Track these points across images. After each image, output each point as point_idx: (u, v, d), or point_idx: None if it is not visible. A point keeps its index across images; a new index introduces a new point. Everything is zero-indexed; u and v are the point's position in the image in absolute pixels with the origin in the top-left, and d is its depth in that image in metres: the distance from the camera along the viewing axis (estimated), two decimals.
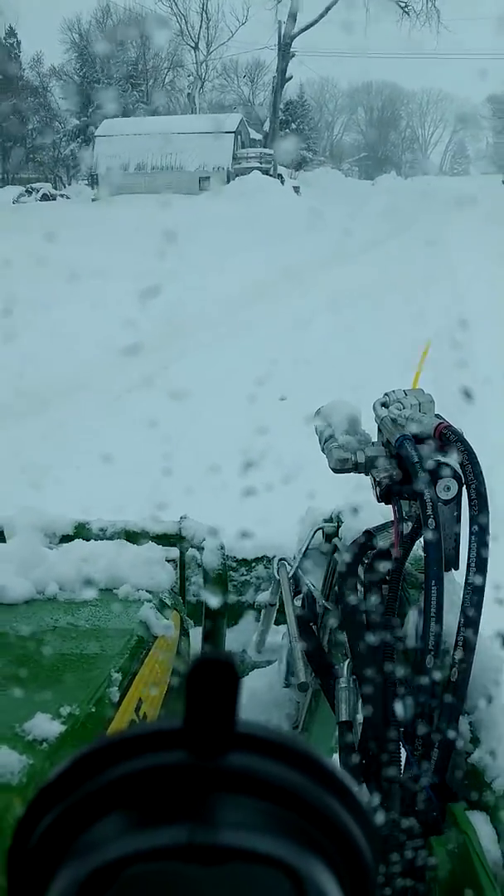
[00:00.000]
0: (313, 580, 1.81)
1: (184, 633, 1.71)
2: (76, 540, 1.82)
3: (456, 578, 1.36)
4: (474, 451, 1.36)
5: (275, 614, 2.05)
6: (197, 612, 1.90)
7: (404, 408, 1.50)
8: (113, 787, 0.41)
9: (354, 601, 1.45)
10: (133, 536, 1.88)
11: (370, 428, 1.57)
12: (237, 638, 2.24)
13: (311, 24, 41.68)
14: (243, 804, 0.40)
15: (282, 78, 42.15)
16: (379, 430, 1.52)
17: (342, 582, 1.51)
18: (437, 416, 1.48)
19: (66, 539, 1.88)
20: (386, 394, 1.54)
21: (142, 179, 35.48)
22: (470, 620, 1.26)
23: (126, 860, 0.39)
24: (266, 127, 44.75)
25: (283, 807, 0.41)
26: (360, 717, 1.42)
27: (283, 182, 35.19)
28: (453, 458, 1.36)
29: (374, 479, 1.45)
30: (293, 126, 48.81)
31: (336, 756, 1.40)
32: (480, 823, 1.16)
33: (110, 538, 1.89)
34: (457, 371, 6.67)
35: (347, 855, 0.42)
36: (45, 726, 1.14)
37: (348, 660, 1.48)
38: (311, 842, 0.41)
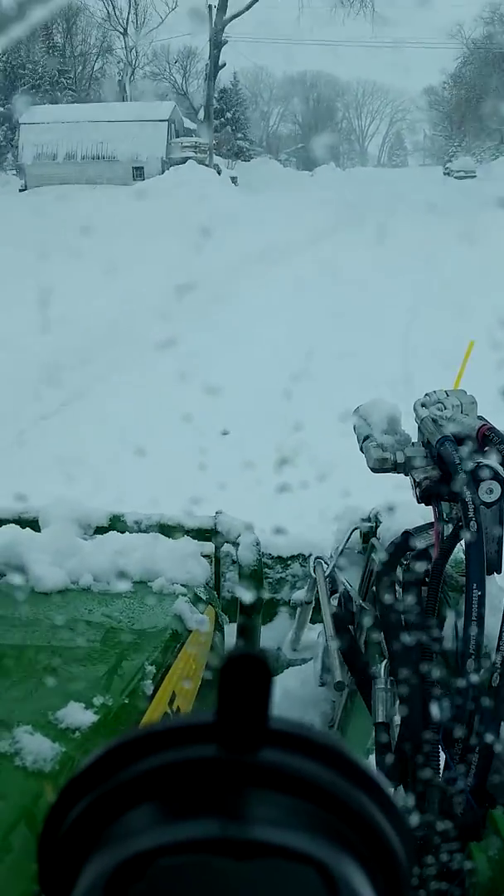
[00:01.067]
0: (350, 579, 1.81)
1: (218, 628, 1.70)
2: (111, 532, 1.80)
3: (498, 582, 1.37)
4: None
5: (310, 612, 2.05)
6: (232, 608, 1.89)
7: (445, 408, 1.50)
8: (144, 778, 0.41)
9: (392, 602, 1.45)
10: (168, 530, 1.86)
11: (410, 428, 1.57)
12: (272, 635, 2.23)
13: (244, 11, 40.06)
14: (275, 800, 0.40)
15: (214, 65, 40.58)
16: (419, 430, 1.52)
17: (380, 582, 1.50)
18: (480, 417, 1.48)
19: (100, 531, 1.86)
20: (427, 394, 1.54)
21: (72, 169, 33.98)
22: None
23: (157, 851, 0.39)
24: (200, 116, 42.91)
25: (314, 804, 0.41)
26: (397, 719, 1.42)
27: (219, 172, 33.74)
28: (496, 460, 1.36)
29: (415, 480, 1.44)
30: (228, 115, 46.58)
31: (372, 757, 1.41)
32: None
33: (145, 531, 1.87)
34: None
35: (380, 854, 0.42)
36: (78, 715, 1.14)
37: (385, 660, 1.48)
38: (343, 840, 0.41)
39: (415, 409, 1.54)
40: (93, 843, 0.41)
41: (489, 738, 1.23)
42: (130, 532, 1.85)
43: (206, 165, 33.99)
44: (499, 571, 1.39)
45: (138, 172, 34.34)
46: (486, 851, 1.16)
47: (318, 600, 1.85)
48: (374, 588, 1.59)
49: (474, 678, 1.23)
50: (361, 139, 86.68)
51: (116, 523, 1.91)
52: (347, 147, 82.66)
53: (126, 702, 1.23)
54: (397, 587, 1.49)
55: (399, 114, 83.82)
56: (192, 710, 1.42)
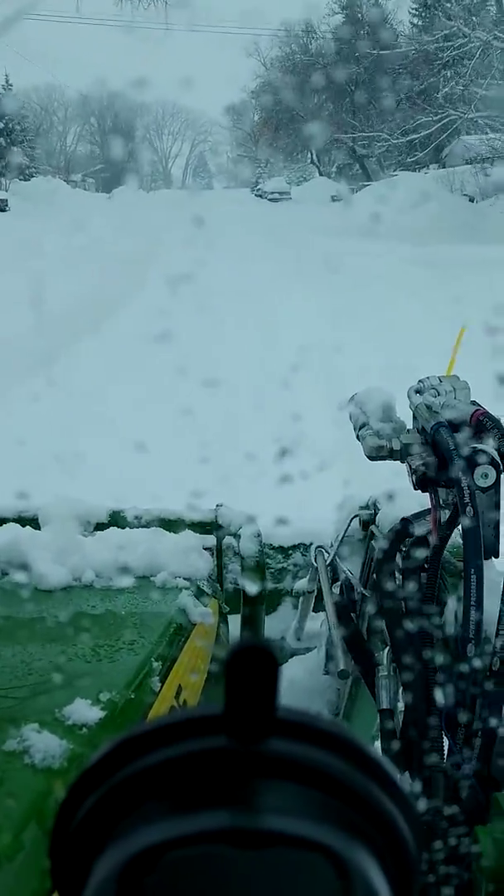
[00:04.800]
0: (351, 568, 1.82)
1: (222, 620, 1.72)
2: (111, 528, 1.82)
3: (496, 566, 1.37)
4: None
5: (313, 602, 2.05)
6: (235, 600, 1.90)
7: (439, 394, 1.50)
8: (154, 771, 0.41)
9: (392, 589, 1.46)
10: (169, 524, 1.87)
11: (405, 415, 1.57)
12: (276, 625, 2.24)
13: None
14: (285, 789, 0.41)
15: None
16: (414, 417, 1.52)
17: (380, 569, 1.51)
18: (474, 402, 1.48)
19: (101, 527, 1.88)
20: (420, 380, 1.54)
21: None
22: None
23: (168, 844, 0.39)
24: None
25: (324, 792, 0.41)
26: (400, 705, 1.43)
27: None
28: (491, 445, 1.36)
29: (411, 467, 1.45)
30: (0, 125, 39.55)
31: (377, 744, 1.41)
32: None
33: (146, 526, 1.88)
34: None
35: (390, 841, 0.42)
36: (85, 712, 1.15)
37: (388, 647, 1.49)
38: (353, 828, 0.41)
39: (409, 396, 1.54)
40: (104, 837, 0.41)
41: (492, 721, 1.24)
42: (131, 527, 1.86)
43: None
44: (496, 556, 1.40)
45: None
46: (492, 834, 1.16)
47: (320, 589, 1.86)
48: (374, 576, 1.59)
49: (475, 662, 1.24)
50: (164, 161, 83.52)
51: (117, 519, 1.93)
52: (150, 169, 78.71)
53: (132, 697, 1.23)
54: (397, 574, 1.49)
55: (201, 135, 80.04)
56: (199, 702, 1.43)
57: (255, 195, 45.18)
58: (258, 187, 46.74)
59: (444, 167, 30.60)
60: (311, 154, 48.48)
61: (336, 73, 35.90)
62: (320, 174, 47.35)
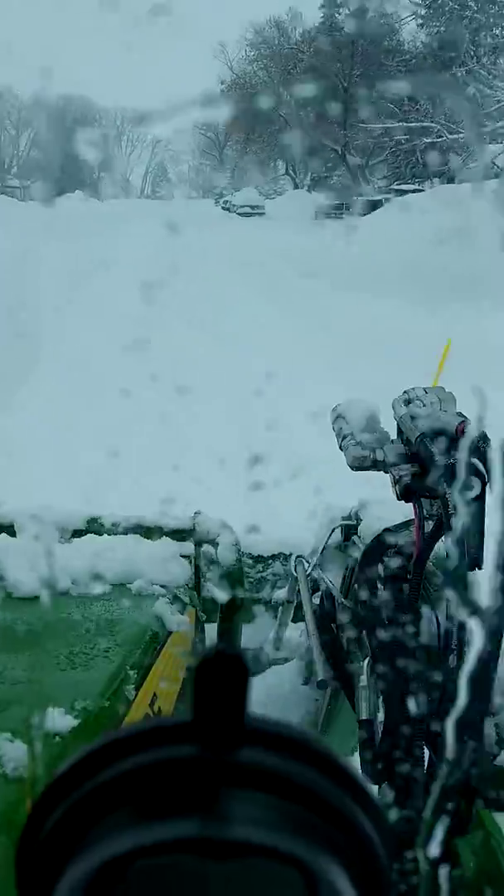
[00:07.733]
0: (331, 577, 1.81)
1: (199, 629, 1.70)
2: (88, 535, 1.80)
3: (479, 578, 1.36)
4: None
5: (292, 611, 2.04)
6: (212, 609, 1.89)
7: (424, 405, 1.50)
8: (123, 780, 0.41)
9: (374, 599, 1.45)
10: (146, 532, 1.86)
11: (390, 426, 1.56)
12: (254, 635, 2.23)
13: None
14: (254, 799, 0.40)
15: None
16: (398, 427, 1.51)
17: (361, 580, 1.50)
18: (459, 413, 1.48)
19: (77, 534, 1.86)
20: (406, 391, 1.54)
21: None
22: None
23: (136, 853, 0.39)
24: None
25: (294, 802, 0.41)
26: (380, 716, 1.42)
27: None
28: (475, 456, 1.35)
29: (394, 478, 1.44)
30: None
31: (357, 755, 1.40)
32: None
33: (123, 533, 1.87)
34: None
35: (360, 852, 0.42)
36: (59, 720, 1.13)
37: (368, 658, 1.48)
38: (322, 838, 0.40)
39: (394, 407, 1.53)
40: (73, 846, 0.40)
41: (472, 733, 1.23)
42: (108, 535, 1.85)
43: None
44: (480, 567, 1.39)
45: None
46: (471, 846, 1.15)
47: (299, 599, 1.85)
48: (355, 585, 1.58)
49: (456, 674, 1.23)
50: (124, 169, 79.10)
51: (93, 526, 1.92)
52: (107, 176, 76.33)
53: (107, 705, 1.22)
54: (378, 584, 1.48)
55: (162, 142, 75.08)
56: (174, 711, 1.42)
57: (222, 209, 38.00)
58: (224, 199, 39.59)
59: (451, 181, 26.06)
60: (287, 164, 44.80)
61: (328, 64, 32.85)
62: (296, 186, 43.30)
